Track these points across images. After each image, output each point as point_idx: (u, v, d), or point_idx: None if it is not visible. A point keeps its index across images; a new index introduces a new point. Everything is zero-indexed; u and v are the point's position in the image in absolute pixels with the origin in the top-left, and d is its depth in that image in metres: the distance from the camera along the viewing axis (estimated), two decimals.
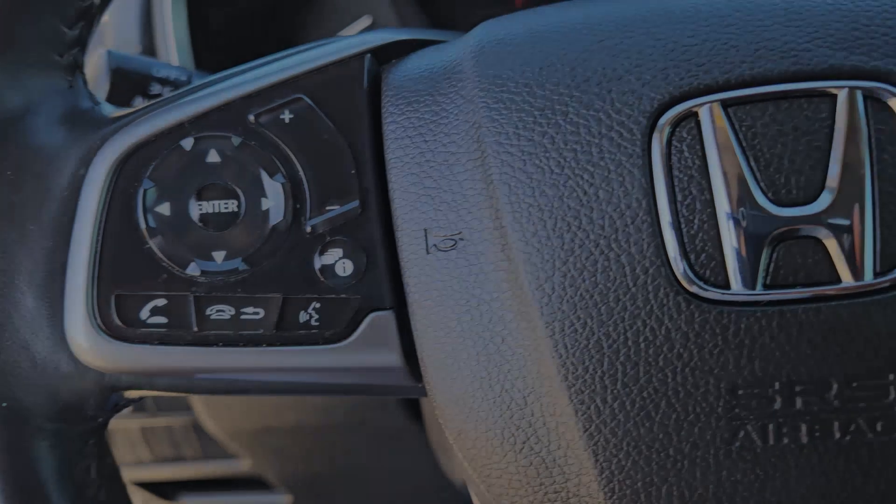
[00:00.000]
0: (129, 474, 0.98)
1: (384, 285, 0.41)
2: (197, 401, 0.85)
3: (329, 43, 0.44)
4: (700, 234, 0.36)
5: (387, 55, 0.44)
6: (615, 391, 0.36)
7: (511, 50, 0.39)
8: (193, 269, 0.41)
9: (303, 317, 0.41)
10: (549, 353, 0.37)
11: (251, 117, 0.41)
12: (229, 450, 0.93)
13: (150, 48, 0.75)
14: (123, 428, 0.94)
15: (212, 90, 0.42)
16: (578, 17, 0.39)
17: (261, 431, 0.88)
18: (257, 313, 0.41)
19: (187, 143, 0.41)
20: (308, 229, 0.41)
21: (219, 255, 0.41)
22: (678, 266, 0.36)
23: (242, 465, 0.96)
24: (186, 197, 0.41)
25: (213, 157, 0.41)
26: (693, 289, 0.35)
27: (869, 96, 0.36)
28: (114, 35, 0.76)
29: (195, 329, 0.41)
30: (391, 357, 0.41)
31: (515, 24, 0.40)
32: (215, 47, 0.81)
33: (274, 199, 0.41)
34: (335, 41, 0.44)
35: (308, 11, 0.90)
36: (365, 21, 0.90)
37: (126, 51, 0.76)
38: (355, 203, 0.41)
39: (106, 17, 0.80)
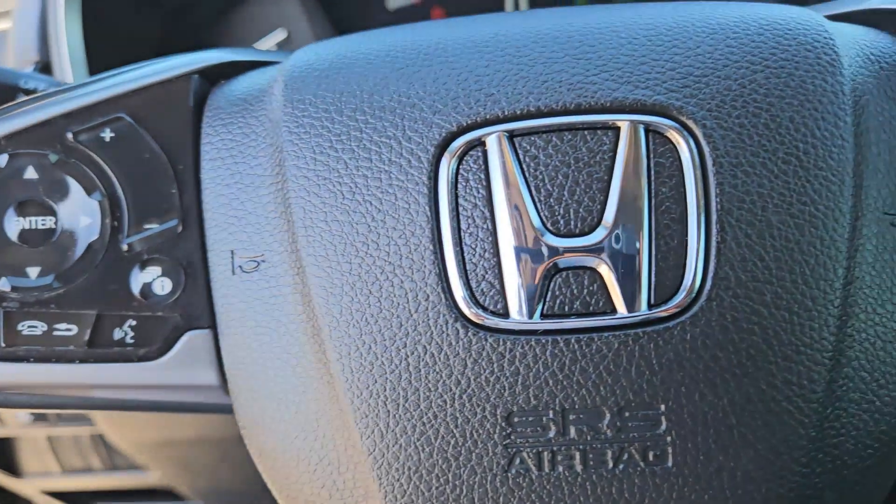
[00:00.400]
0: (38, 484, 0.98)
1: (202, 304, 0.41)
2: (98, 412, 0.85)
3: (157, 62, 0.44)
4: (482, 263, 0.36)
5: (225, 75, 0.44)
6: (397, 416, 0.36)
7: (318, 75, 0.39)
8: (4, 285, 0.41)
9: (117, 334, 0.41)
10: (337, 375, 0.37)
11: (69, 135, 0.41)
12: (137, 461, 0.93)
13: (48, 59, 0.75)
14: (31, 437, 0.94)
15: (33, 107, 0.42)
16: (385, 43, 0.40)
17: (164, 444, 0.88)
18: (70, 330, 0.41)
19: (2, 160, 0.41)
20: (125, 247, 0.41)
21: (33, 272, 0.41)
22: (458, 293, 0.36)
23: (152, 477, 0.96)
24: (0, 213, 0.41)
25: (30, 173, 0.41)
26: (472, 316, 0.36)
27: (652, 130, 0.36)
28: (14, 45, 0.76)
29: (3, 344, 0.41)
30: (207, 375, 0.41)
31: (328, 50, 0.41)
32: (122, 62, 0.81)
33: (90, 216, 0.41)
34: (164, 61, 0.44)
35: (222, 24, 0.90)
36: (279, 34, 0.90)
37: (25, 61, 0.76)
38: (175, 222, 0.41)
39: (8, 26, 0.80)
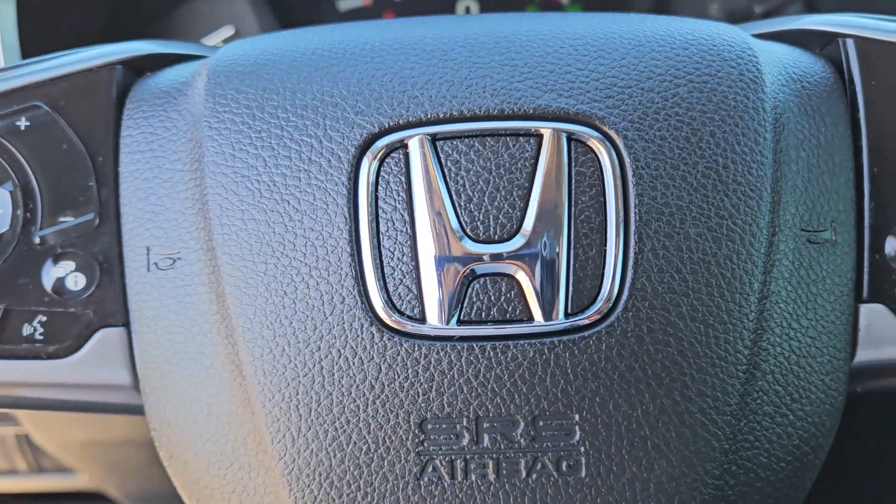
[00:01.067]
0: None
1: (117, 301, 0.40)
2: (22, 412, 0.82)
3: (81, 51, 0.43)
4: (400, 267, 0.36)
5: (150, 67, 0.43)
6: (309, 420, 0.36)
7: (241, 71, 0.39)
8: None
9: (26, 330, 0.40)
10: (249, 378, 0.36)
11: None
12: (64, 463, 0.91)
13: None
14: None
15: None
16: (312, 42, 0.39)
17: (92, 445, 0.85)
18: None
19: None
20: (37, 240, 0.40)
21: None
22: (375, 297, 0.35)
23: (80, 480, 0.93)
24: None
25: None
26: (388, 320, 0.35)
27: (574, 139, 0.36)
28: None
29: None
30: (119, 375, 0.40)
31: (254, 47, 0.40)
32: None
33: (1, 207, 0.40)
34: (88, 50, 0.43)
35: (169, 19, 0.89)
36: (227, 31, 0.89)
37: None
38: (91, 216, 0.40)
39: None
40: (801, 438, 0.37)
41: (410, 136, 0.36)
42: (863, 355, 0.40)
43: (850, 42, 0.41)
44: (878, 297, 0.40)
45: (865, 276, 0.40)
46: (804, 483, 0.39)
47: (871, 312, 0.40)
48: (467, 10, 0.91)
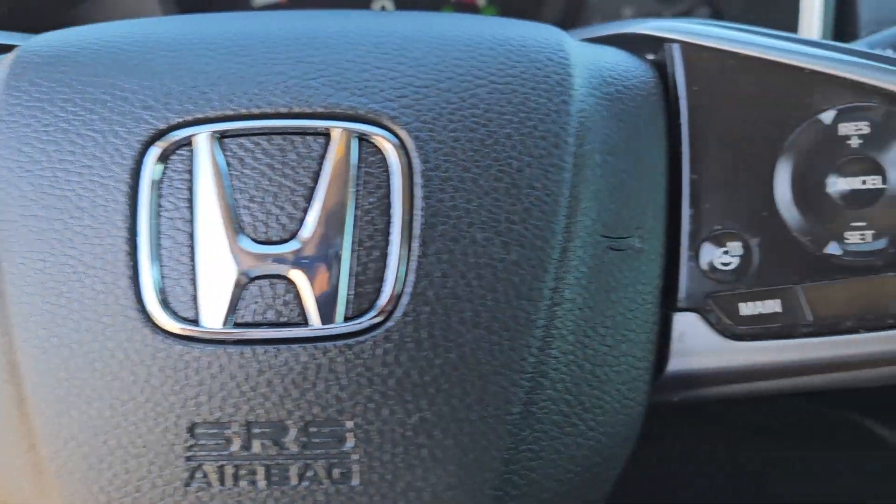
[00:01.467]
0: None
1: None
2: None
3: None
4: (178, 267, 0.35)
5: None
6: (81, 422, 0.35)
7: (39, 63, 0.38)
8: None
9: None
10: (24, 377, 0.35)
11: None
12: None
13: None
14: None
15: None
16: (116, 35, 0.38)
17: None
18: None
19: None
20: None
21: None
22: (150, 297, 0.35)
23: None
24: None
25: None
26: (161, 322, 0.34)
27: (365, 139, 0.35)
28: None
29: None
30: None
31: (60, 38, 0.39)
32: None
33: None
34: None
35: (76, 11, 0.88)
36: None
37: None
38: None
39: None
40: (591, 449, 0.37)
41: (197, 133, 0.35)
42: (676, 364, 0.39)
43: (675, 47, 0.41)
44: (691, 306, 0.39)
45: (680, 285, 0.39)
46: (595, 495, 0.38)
47: (684, 321, 0.39)
48: (383, 9, 0.90)
